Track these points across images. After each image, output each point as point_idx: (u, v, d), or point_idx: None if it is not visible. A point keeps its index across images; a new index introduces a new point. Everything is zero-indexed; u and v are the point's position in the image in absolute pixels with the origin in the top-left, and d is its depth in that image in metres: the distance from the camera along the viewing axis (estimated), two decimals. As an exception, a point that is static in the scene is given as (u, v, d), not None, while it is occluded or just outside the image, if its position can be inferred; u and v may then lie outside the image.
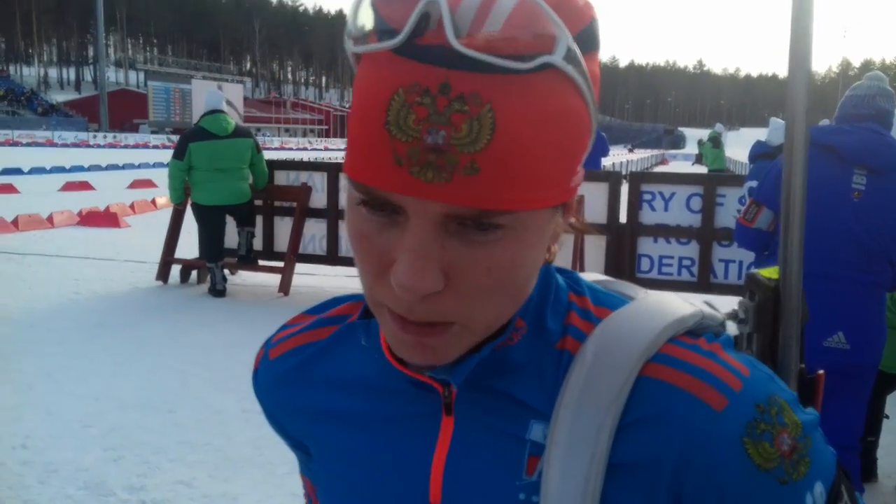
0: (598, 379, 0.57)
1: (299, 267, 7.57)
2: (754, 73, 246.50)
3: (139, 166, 25.70)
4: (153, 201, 14.36)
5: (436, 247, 0.49)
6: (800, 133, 0.93)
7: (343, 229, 7.50)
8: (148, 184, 18.35)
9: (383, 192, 0.49)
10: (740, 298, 0.92)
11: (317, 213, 7.54)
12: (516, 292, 0.54)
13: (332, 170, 7.61)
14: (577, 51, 0.49)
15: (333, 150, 52.28)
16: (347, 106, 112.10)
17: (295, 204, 7.49)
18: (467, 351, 0.57)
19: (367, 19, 0.50)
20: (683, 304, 0.62)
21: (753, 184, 4.42)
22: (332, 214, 7.50)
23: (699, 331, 0.60)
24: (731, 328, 0.71)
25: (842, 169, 2.55)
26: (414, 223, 0.49)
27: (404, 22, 0.47)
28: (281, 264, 7.41)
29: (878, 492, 3.57)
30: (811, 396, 0.85)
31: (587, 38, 0.51)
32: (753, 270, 0.94)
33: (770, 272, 0.93)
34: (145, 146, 45.31)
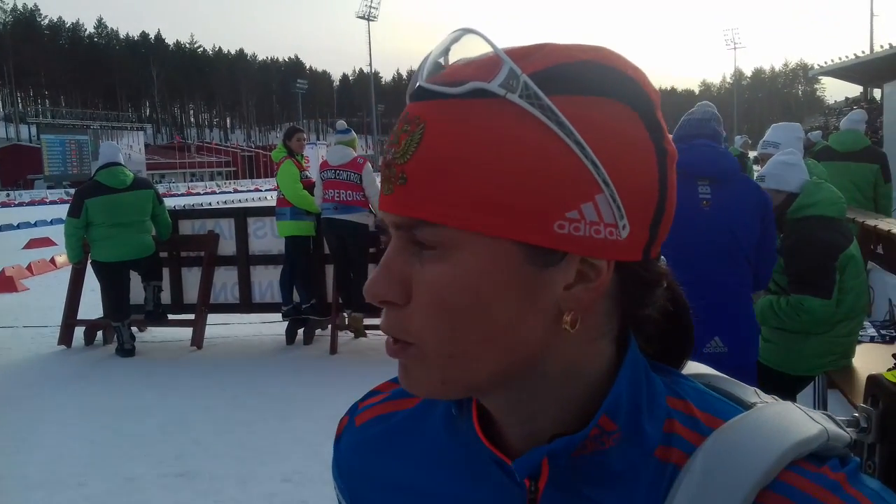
0: (708, 502, 0.52)
1: (211, 318, 7.36)
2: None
3: (36, 224, 24.57)
4: (52, 260, 13.69)
5: (397, 260, 0.53)
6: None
7: (255, 275, 7.35)
8: (46, 242, 17.53)
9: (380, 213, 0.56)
10: (861, 404, 0.79)
11: (226, 261, 7.36)
12: (481, 329, 0.52)
13: (239, 215, 7.44)
14: (535, 87, 0.50)
15: (243, 191, 51.28)
16: (254, 146, 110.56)
17: (203, 253, 7.29)
18: (536, 441, 0.57)
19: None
20: (807, 422, 0.56)
21: None
22: (242, 261, 7.33)
23: (823, 453, 0.54)
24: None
25: (687, 184, 2.73)
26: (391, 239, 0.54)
27: None
28: (192, 317, 7.18)
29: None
30: None
31: (555, 78, 0.51)
32: (877, 373, 0.82)
33: None
34: (42, 202, 43.28)
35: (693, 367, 0.66)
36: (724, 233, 2.69)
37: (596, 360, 0.57)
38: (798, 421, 0.56)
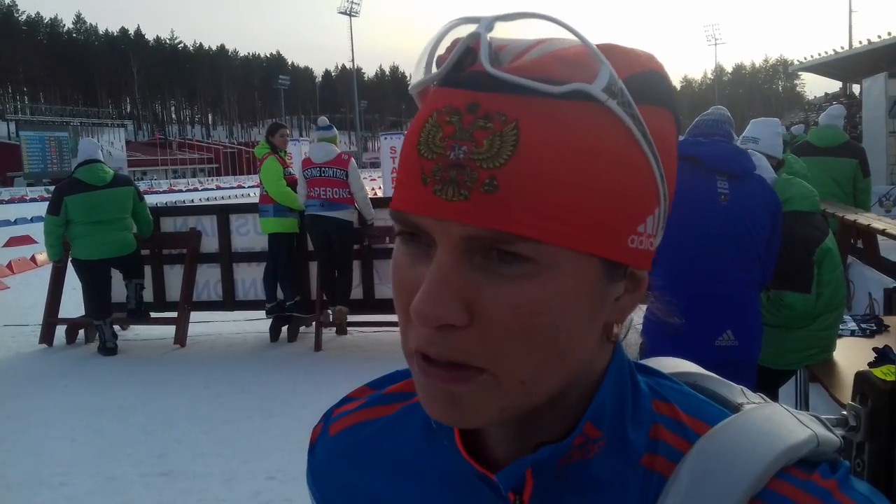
0: None
1: (194, 315, 7.32)
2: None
3: (16, 222, 24.27)
4: (33, 258, 13.53)
5: (457, 276, 0.47)
6: None
7: (238, 272, 7.32)
8: (26, 240, 17.31)
9: (411, 216, 0.48)
10: (849, 402, 0.79)
11: (209, 258, 7.31)
12: (555, 349, 0.49)
13: (221, 212, 7.41)
14: (628, 94, 0.47)
15: (226, 188, 50.98)
16: (237, 142, 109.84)
17: (185, 250, 7.24)
18: (521, 448, 0.53)
19: (422, 67, 0.51)
20: (796, 427, 0.54)
21: None
22: (225, 258, 7.29)
23: (813, 458, 0.53)
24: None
25: (706, 177, 2.76)
26: (439, 250, 0.47)
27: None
28: (175, 315, 7.14)
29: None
30: None
31: (641, 86, 0.49)
32: (866, 370, 0.80)
33: (885, 371, 0.79)
34: (21, 200, 42.73)
35: (678, 365, 0.65)
36: (740, 228, 2.73)
37: (601, 367, 0.55)
38: (786, 425, 0.54)
